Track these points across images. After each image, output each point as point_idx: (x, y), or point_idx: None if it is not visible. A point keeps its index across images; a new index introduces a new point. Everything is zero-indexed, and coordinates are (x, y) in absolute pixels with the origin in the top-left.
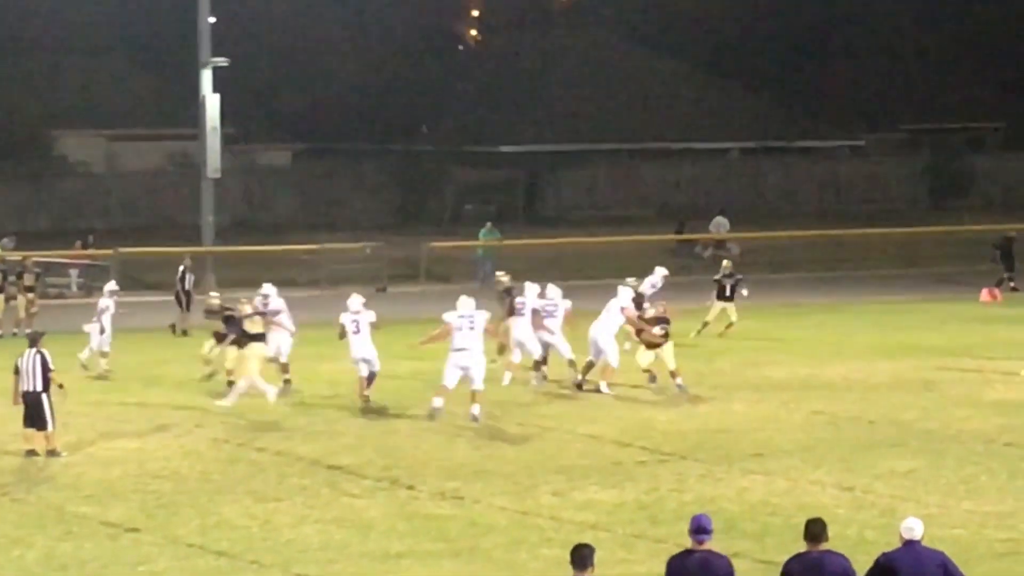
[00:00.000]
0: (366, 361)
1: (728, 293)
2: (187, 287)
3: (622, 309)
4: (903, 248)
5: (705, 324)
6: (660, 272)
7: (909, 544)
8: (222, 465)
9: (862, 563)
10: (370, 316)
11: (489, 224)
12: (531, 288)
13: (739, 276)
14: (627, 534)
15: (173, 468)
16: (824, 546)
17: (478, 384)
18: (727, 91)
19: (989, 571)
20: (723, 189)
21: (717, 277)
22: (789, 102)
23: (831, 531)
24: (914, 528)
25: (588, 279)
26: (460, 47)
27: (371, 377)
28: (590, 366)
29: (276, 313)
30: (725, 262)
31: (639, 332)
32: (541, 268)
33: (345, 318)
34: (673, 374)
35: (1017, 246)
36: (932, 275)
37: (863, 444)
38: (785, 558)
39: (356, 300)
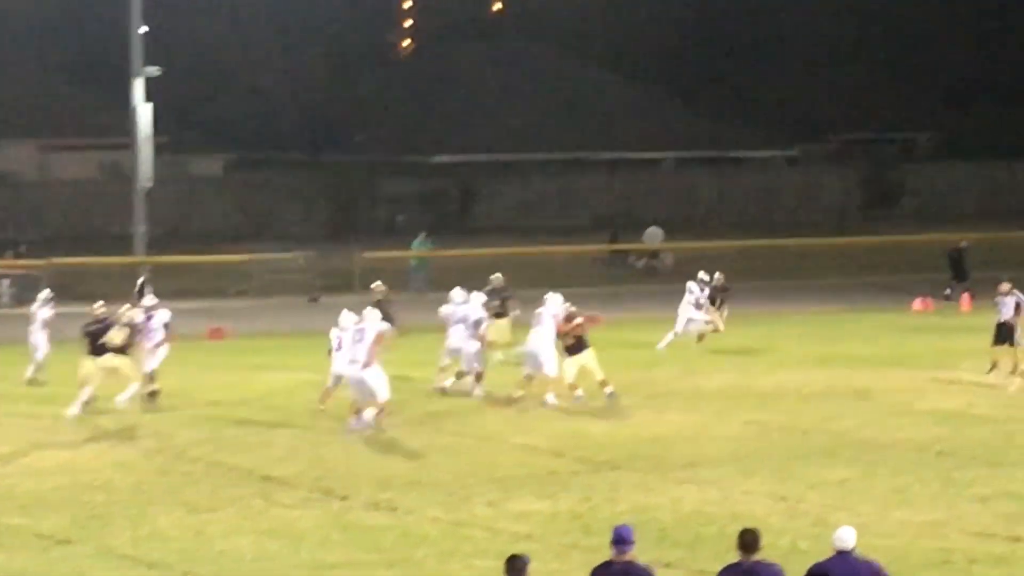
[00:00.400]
0: (339, 377)
1: (719, 303)
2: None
3: (553, 317)
4: (836, 257)
5: (716, 330)
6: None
7: (842, 554)
8: (155, 476)
9: (795, 573)
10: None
11: (422, 234)
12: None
13: (729, 287)
14: (561, 544)
15: (106, 479)
16: (757, 556)
17: (382, 396)
18: (661, 101)
19: None
20: (657, 199)
21: (711, 287)
22: (723, 112)
23: (764, 540)
24: (847, 538)
25: (522, 289)
26: (393, 57)
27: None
28: (529, 379)
29: (147, 331)
30: (717, 274)
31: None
32: (475, 278)
33: (332, 333)
34: (602, 383)
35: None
36: (865, 284)
37: (796, 453)
38: (718, 568)
39: (347, 317)
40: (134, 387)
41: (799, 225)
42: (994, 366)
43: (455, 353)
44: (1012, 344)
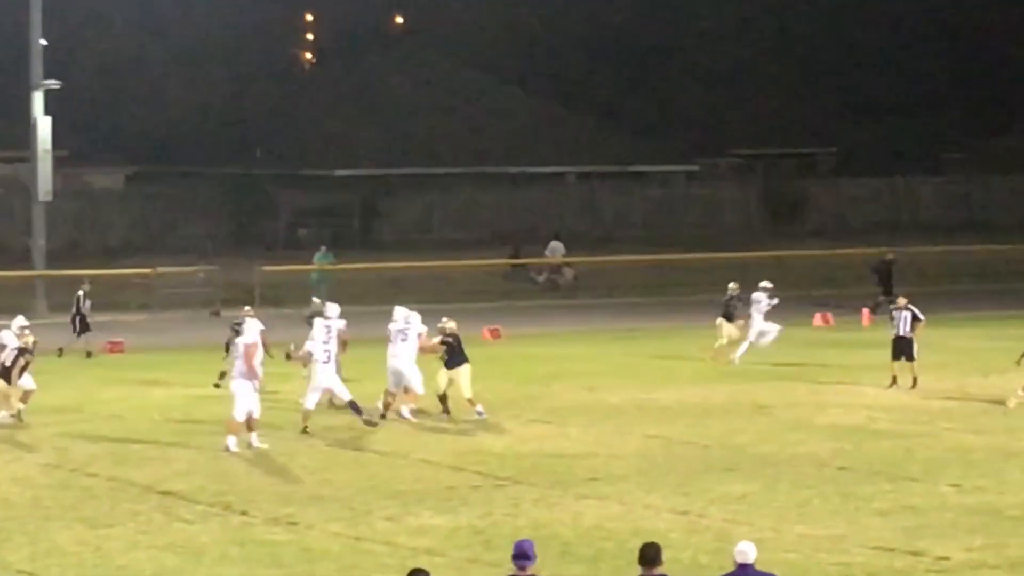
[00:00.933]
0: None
1: (733, 315)
2: (83, 311)
3: (419, 335)
4: (738, 272)
5: (721, 345)
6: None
7: (742, 568)
8: (53, 491)
9: None
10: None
11: (324, 248)
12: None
13: (741, 296)
14: (461, 559)
15: (3, 494)
16: (658, 570)
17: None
18: (563, 116)
19: None
20: (558, 214)
21: (725, 298)
22: (624, 127)
23: (665, 555)
24: (747, 552)
25: (424, 303)
26: (295, 70)
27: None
28: (393, 396)
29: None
30: (732, 284)
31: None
32: (377, 293)
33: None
34: (471, 402)
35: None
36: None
37: (697, 468)
38: None
39: (333, 309)
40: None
41: (701, 240)
42: (894, 381)
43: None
44: (910, 359)
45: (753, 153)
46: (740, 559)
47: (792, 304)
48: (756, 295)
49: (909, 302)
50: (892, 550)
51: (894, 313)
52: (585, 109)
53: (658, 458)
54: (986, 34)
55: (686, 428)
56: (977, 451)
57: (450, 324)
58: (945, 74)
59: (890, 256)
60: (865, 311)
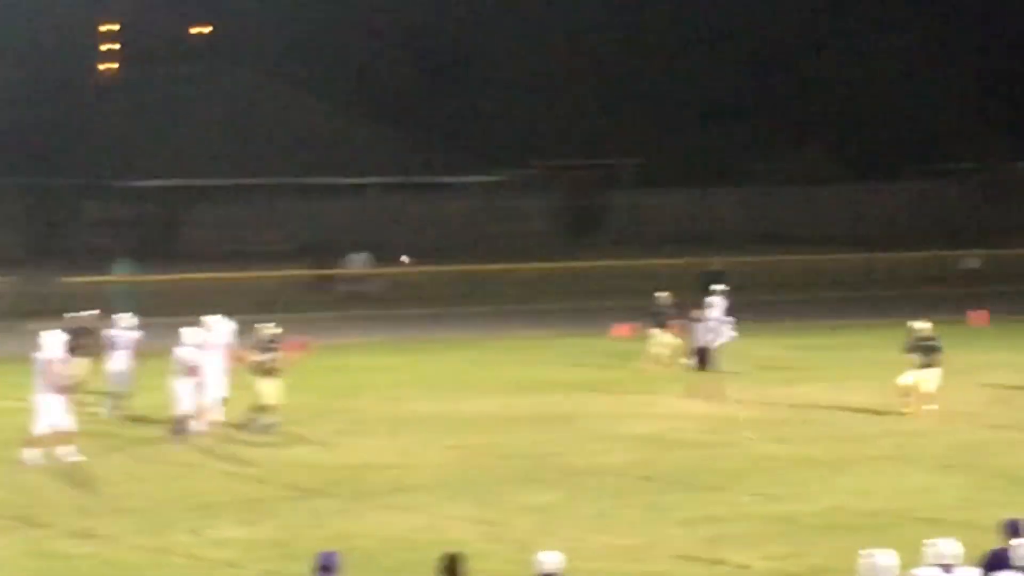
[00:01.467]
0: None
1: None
2: None
3: (226, 346)
4: (540, 283)
5: (658, 353)
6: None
7: None
8: None
9: None
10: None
11: (124, 259)
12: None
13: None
14: (263, 571)
15: None
16: None
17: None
18: (367, 127)
19: None
20: (363, 225)
21: (653, 309)
22: (429, 139)
23: (469, 565)
24: (550, 562)
25: (229, 314)
26: (96, 81)
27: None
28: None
29: None
30: (662, 294)
31: (242, 361)
32: (180, 303)
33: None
34: (266, 409)
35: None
36: (568, 310)
37: (501, 478)
38: None
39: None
40: None
41: (504, 250)
42: (697, 391)
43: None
44: (709, 369)
45: (556, 164)
46: (542, 569)
47: (593, 314)
48: (711, 299)
49: (703, 312)
50: (694, 559)
51: (690, 325)
52: (389, 121)
53: (461, 468)
54: (785, 49)
55: (490, 438)
56: (778, 460)
57: (269, 330)
58: (745, 88)
59: (717, 267)
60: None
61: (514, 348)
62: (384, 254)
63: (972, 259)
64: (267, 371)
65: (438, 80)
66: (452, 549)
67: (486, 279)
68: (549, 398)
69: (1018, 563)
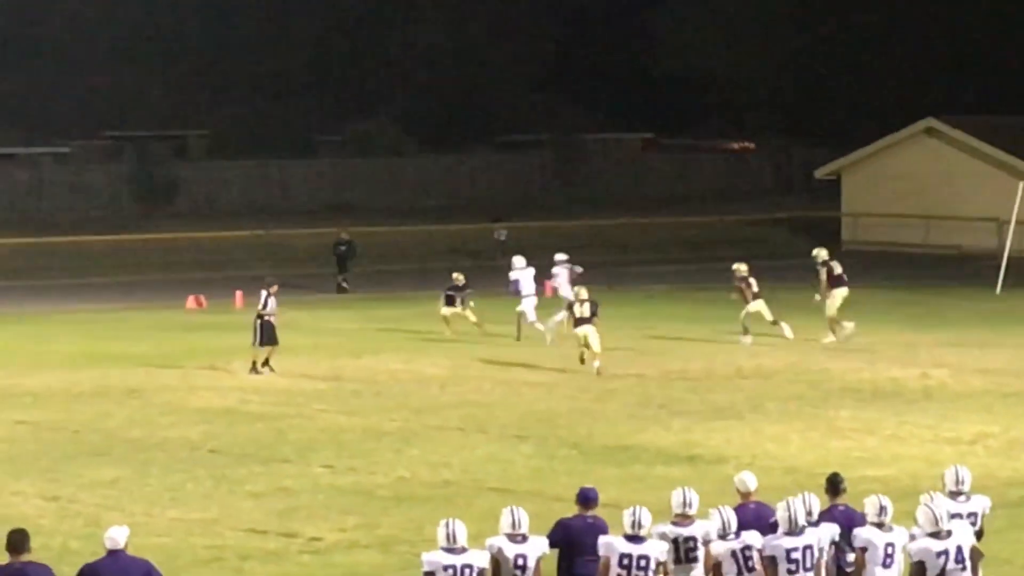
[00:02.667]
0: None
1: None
2: None
3: None
4: (111, 255)
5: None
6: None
7: (113, 553)
8: None
9: (66, 574)
10: None
11: None
12: None
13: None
14: None
15: None
16: (27, 557)
17: None
18: None
19: None
20: None
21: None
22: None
23: (35, 542)
24: (117, 537)
25: None
26: None
27: None
28: None
29: None
30: (457, 275)
31: None
32: None
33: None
34: None
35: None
36: (140, 283)
37: (67, 454)
38: None
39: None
40: None
41: (70, 224)
42: (262, 364)
43: None
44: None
45: (124, 135)
46: (110, 544)
47: (165, 287)
48: (556, 269)
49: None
50: (265, 532)
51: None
52: None
53: (27, 444)
54: (345, 23)
55: (54, 412)
56: (349, 432)
57: None
58: (311, 62)
59: (345, 236)
60: (239, 293)
61: (81, 321)
62: None
63: (501, 231)
64: None
65: (2, 49)
66: (16, 525)
67: (50, 252)
68: (117, 372)
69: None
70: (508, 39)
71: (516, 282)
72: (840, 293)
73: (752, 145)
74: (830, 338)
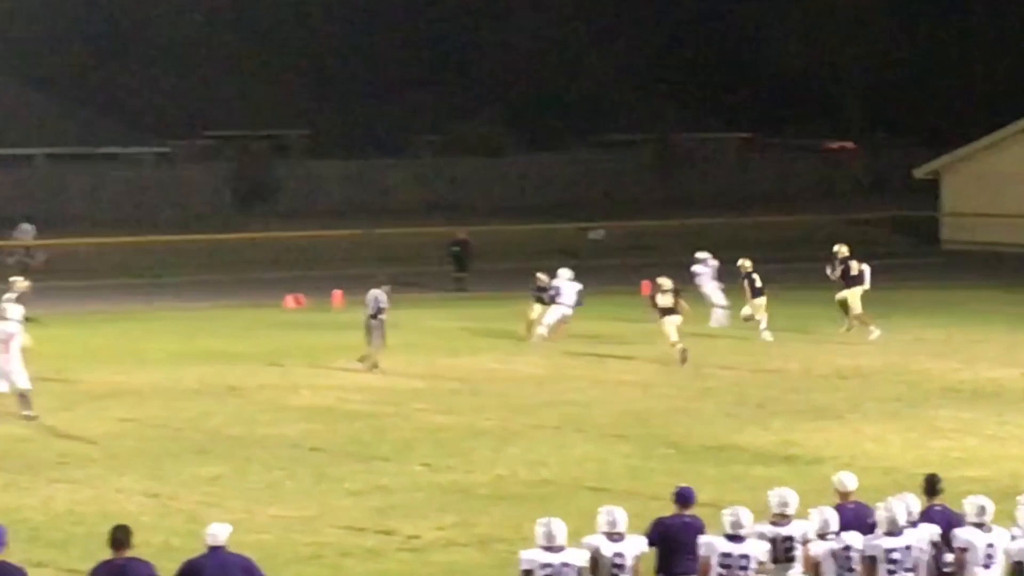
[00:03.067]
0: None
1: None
2: None
3: None
4: (211, 254)
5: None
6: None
7: (214, 550)
8: None
9: (168, 570)
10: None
11: None
12: None
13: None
14: None
15: None
16: (129, 553)
17: None
18: (28, 95)
19: (293, 575)
20: (28, 196)
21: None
22: (94, 107)
23: (137, 538)
24: (218, 534)
25: None
26: None
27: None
28: None
29: None
30: (541, 275)
31: None
32: None
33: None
34: None
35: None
36: (239, 281)
37: (169, 451)
38: (90, 566)
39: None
40: None
41: (174, 222)
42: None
43: None
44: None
45: (224, 135)
46: (211, 541)
47: (264, 286)
48: (697, 267)
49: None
50: (363, 529)
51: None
52: (51, 88)
53: (129, 441)
54: (452, 17)
55: (157, 410)
56: (447, 431)
57: None
58: (416, 59)
59: (462, 235)
60: (337, 292)
61: (183, 319)
62: (48, 225)
63: (598, 231)
64: None
65: (105, 49)
66: (119, 522)
67: (150, 251)
68: (218, 369)
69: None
70: (608, 37)
71: (557, 289)
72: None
73: (851, 144)
74: (875, 333)
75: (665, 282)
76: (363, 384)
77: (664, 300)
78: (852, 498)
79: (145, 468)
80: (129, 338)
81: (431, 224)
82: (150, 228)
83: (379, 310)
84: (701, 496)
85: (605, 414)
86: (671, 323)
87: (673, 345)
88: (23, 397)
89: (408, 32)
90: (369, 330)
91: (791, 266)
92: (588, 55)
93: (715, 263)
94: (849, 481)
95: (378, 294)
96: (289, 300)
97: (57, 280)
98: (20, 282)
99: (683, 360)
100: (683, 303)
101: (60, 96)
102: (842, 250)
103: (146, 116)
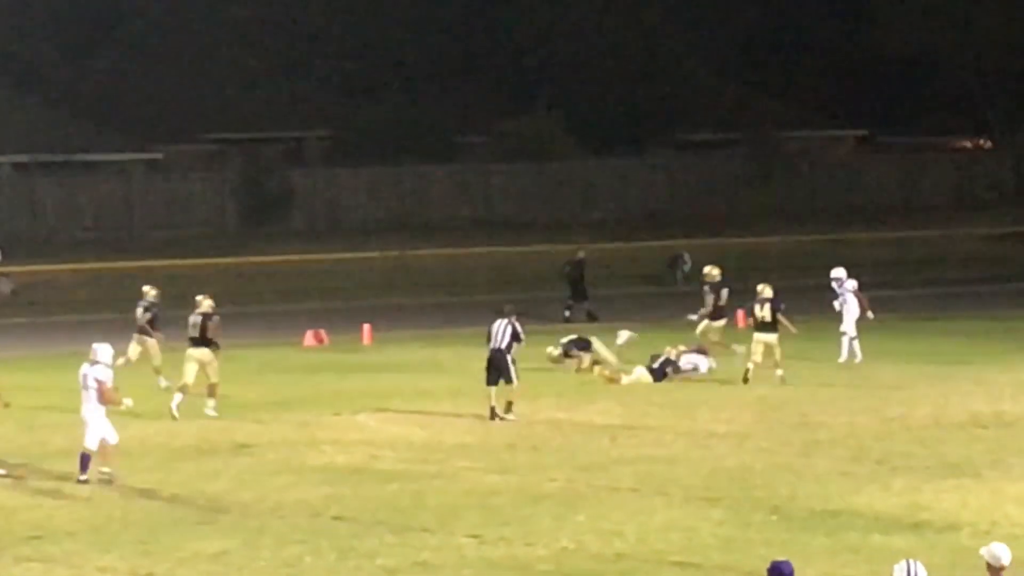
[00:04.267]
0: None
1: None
2: None
3: None
4: (213, 281)
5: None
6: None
7: None
8: None
9: None
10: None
11: None
12: None
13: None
14: None
15: None
16: None
17: None
18: None
19: None
20: None
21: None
22: (69, 109)
23: None
24: None
25: None
26: None
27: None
28: None
29: None
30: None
31: None
32: None
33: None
34: None
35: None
36: (247, 314)
37: (163, 522)
38: None
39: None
40: None
41: (166, 243)
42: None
43: None
44: (508, 380)
45: (227, 137)
46: None
47: (281, 319)
48: (839, 288)
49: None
50: None
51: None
52: (18, 88)
53: (115, 510)
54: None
55: (149, 473)
56: (500, 494)
57: None
58: (455, 44)
59: (580, 254)
60: (366, 327)
61: (177, 363)
62: (17, 247)
63: (684, 255)
64: None
65: (82, 45)
66: None
67: (141, 278)
68: (221, 424)
69: None
70: (690, 20)
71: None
72: (719, 326)
73: (989, 143)
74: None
75: (765, 289)
76: (398, 439)
77: (761, 312)
78: (1006, 574)
79: (134, 543)
80: (114, 384)
81: (475, 243)
82: (140, 250)
83: (511, 344)
84: (809, 572)
85: (692, 472)
86: (760, 341)
87: (752, 364)
88: None
89: (447, 13)
90: (501, 368)
91: (919, 291)
92: (665, 36)
93: (853, 283)
94: (1003, 554)
95: (508, 325)
96: (309, 337)
97: (26, 315)
98: None
99: (744, 380)
100: (786, 321)
101: (28, 94)
102: (712, 273)
103: (132, 116)
